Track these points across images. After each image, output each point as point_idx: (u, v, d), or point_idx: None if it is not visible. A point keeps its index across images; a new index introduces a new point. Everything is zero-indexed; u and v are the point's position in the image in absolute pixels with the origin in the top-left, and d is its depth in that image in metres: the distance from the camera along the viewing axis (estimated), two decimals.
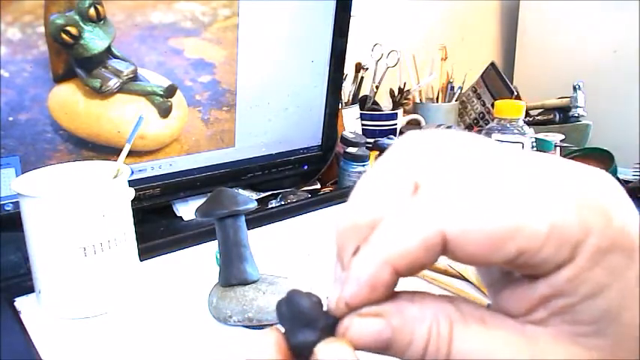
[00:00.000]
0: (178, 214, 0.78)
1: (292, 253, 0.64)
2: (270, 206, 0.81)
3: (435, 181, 0.17)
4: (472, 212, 0.16)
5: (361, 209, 0.18)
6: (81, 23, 0.59)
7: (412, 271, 0.17)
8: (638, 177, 0.83)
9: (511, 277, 0.18)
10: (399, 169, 0.18)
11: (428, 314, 0.17)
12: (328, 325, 0.18)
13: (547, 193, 0.16)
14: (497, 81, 1.20)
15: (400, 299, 0.17)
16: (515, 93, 1.17)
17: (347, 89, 1.03)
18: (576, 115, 1.10)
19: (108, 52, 0.63)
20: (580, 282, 0.16)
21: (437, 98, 1.24)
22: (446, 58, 1.24)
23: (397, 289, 0.18)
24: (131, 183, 0.55)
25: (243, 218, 0.49)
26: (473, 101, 1.25)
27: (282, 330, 0.19)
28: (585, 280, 0.15)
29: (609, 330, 0.16)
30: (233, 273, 0.49)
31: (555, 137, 0.96)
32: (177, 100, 0.71)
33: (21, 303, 0.53)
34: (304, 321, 0.18)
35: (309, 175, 0.91)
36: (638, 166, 0.83)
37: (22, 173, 0.55)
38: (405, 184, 0.17)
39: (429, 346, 0.17)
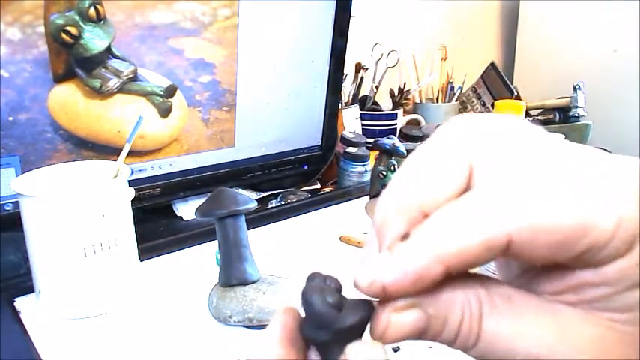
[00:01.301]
0: (178, 214, 0.78)
1: (292, 253, 0.64)
2: (270, 206, 0.81)
3: (493, 170, 0.16)
4: (541, 213, 0.15)
5: (415, 190, 0.17)
6: (81, 23, 0.59)
7: (463, 269, 0.16)
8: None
9: (544, 266, 0.18)
10: (454, 149, 0.17)
11: (459, 297, 0.17)
12: (342, 329, 0.17)
13: (610, 188, 0.15)
14: (497, 81, 1.20)
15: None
16: (515, 93, 1.17)
17: (347, 89, 1.03)
18: (576, 115, 1.10)
19: (108, 52, 0.63)
20: (629, 274, 0.16)
21: (437, 98, 1.24)
22: (446, 58, 1.24)
23: None
24: (131, 183, 0.55)
25: (243, 218, 0.49)
26: (473, 101, 1.25)
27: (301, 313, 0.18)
28: (634, 272, 0.15)
29: None
30: (233, 273, 0.49)
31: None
32: (177, 100, 0.71)
33: (21, 303, 0.53)
34: (317, 322, 0.18)
35: (309, 175, 0.91)
36: None
37: (22, 173, 0.55)
38: (460, 167, 0.17)
39: (461, 329, 0.16)
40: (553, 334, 0.16)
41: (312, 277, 0.19)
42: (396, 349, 0.45)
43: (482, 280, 0.17)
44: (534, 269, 0.18)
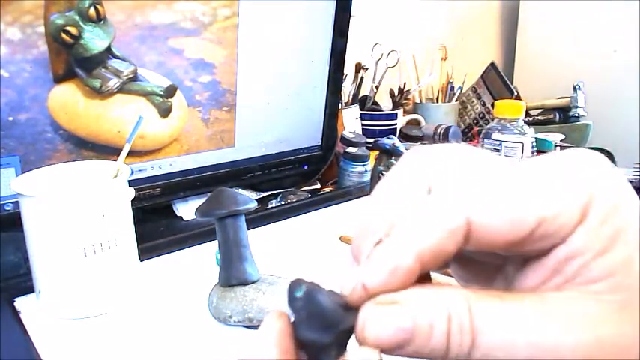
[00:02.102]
0: (178, 214, 0.78)
1: (292, 253, 0.64)
2: (270, 206, 0.81)
3: (448, 180, 0.18)
4: (493, 197, 0.17)
5: (381, 211, 0.18)
6: (81, 23, 0.59)
7: (436, 261, 0.17)
8: (638, 177, 0.83)
9: (519, 261, 0.19)
10: (413, 172, 0.19)
11: (444, 297, 0.17)
12: (348, 328, 0.17)
13: (553, 173, 0.17)
14: (497, 81, 1.20)
15: (415, 286, 0.17)
16: (515, 93, 1.17)
17: (347, 89, 1.03)
18: (576, 115, 1.10)
19: (108, 52, 0.63)
20: (592, 239, 0.17)
21: (437, 98, 1.24)
22: (446, 58, 1.24)
23: None
24: (131, 183, 0.55)
25: (243, 218, 0.49)
26: (473, 101, 1.25)
27: (291, 317, 0.18)
28: (597, 237, 0.17)
29: (625, 282, 0.17)
30: (233, 273, 0.49)
31: (555, 137, 0.96)
32: (177, 100, 0.71)
33: (21, 303, 0.53)
34: (323, 322, 0.17)
35: (309, 175, 0.91)
36: (638, 166, 0.83)
37: (22, 173, 0.55)
38: (420, 187, 0.18)
39: (451, 333, 0.16)
40: (550, 320, 0.16)
41: (295, 284, 0.18)
42: None
43: (470, 287, 0.18)
44: (516, 271, 0.19)
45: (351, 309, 0.18)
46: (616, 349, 0.16)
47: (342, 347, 0.18)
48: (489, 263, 0.21)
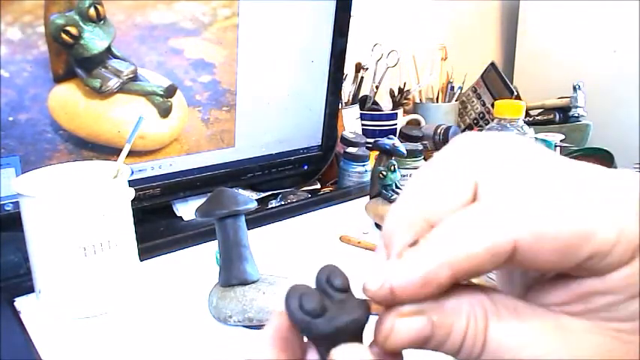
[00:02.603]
0: (178, 214, 0.78)
1: (292, 253, 0.64)
2: (270, 206, 0.81)
3: (498, 184, 0.17)
4: (545, 220, 0.16)
5: (422, 203, 0.18)
6: (81, 23, 0.59)
7: (469, 276, 0.16)
8: None
9: (548, 276, 0.18)
10: (460, 167, 0.18)
11: (464, 307, 0.17)
12: (320, 334, 0.17)
13: (611, 199, 0.16)
14: (497, 81, 1.20)
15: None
16: (515, 93, 1.17)
17: (347, 89, 1.03)
18: (576, 115, 1.10)
19: (108, 52, 0.63)
20: (634, 282, 0.16)
21: (437, 98, 1.24)
22: (446, 58, 1.24)
23: None
24: (131, 183, 0.55)
25: (243, 218, 0.49)
26: (473, 101, 1.25)
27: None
28: (637, 280, 0.16)
29: None
30: (233, 273, 0.49)
31: (555, 137, 0.96)
32: (178, 100, 0.71)
33: (21, 303, 0.53)
34: (297, 328, 0.18)
35: (309, 175, 0.91)
36: (638, 166, 0.83)
37: (22, 173, 0.55)
38: (466, 183, 0.17)
39: (466, 339, 0.17)
40: (559, 344, 0.16)
41: (320, 272, 0.19)
42: None
43: (488, 292, 0.17)
44: (538, 284, 0.18)
45: (335, 311, 0.18)
46: None
47: (355, 338, 0.18)
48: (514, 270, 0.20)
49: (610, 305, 0.16)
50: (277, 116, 0.82)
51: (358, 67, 1.05)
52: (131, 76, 0.66)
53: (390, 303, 0.17)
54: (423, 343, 0.17)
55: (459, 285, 0.17)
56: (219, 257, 0.50)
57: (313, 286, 0.19)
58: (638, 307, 0.16)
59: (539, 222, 0.16)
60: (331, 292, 0.18)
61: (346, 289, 0.19)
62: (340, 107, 0.95)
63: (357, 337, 0.18)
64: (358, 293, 0.19)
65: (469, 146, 0.18)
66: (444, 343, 0.17)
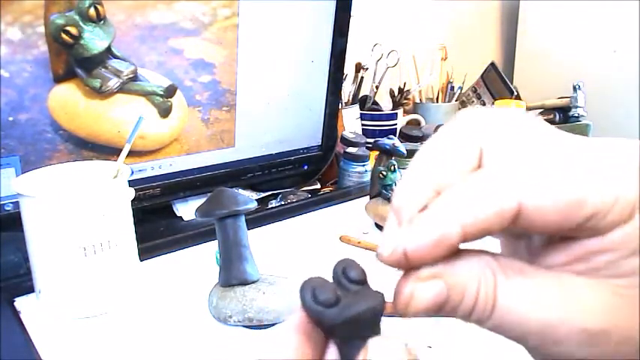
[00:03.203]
0: (178, 214, 0.78)
1: (292, 253, 0.64)
2: (270, 206, 0.81)
3: (501, 151, 0.18)
4: (547, 184, 0.17)
5: (430, 170, 0.18)
6: (81, 23, 0.59)
7: (477, 237, 0.17)
8: None
9: (546, 238, 0.19)
10: (465, 137, 0.19)
11: (474, 268, 0.18)
12: (334, 325, 0.18)
13: (609, 163, 0.17)
14: (497, 81, 1.20)
15: (448, 256, 0.18)
16: (515, 93, 1.17)
17: (347, 89, 1.03)
18: (576, 115, 1.10)
19: (108, 52, 0.63)
20: (632, 239, 0.17)
21: (437, 98, 1.24)
22: (446, 58, 1.24)
23: None
24: (131, 183, 0.55)
25: (243, 218, 0.49)
26: (473, 101, 1.25)
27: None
28: (637, 238, 0.17)
29: None
30: (233, 273, 0.49)
31: None
32: (178, 100, 0.71)
33: (21, 303, 0.53)
34: (311, 318, 0.18)
35: (309, 175, 0.91)
36: None
37: (22, 173, 0.55)
38: (471, 151, 0.18)
39: (478, 300, 0.17)
40: (563, 302, 0.17)
41: (337, 264, 0.19)
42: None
43: (495, 255, 0.18)
44: (541, 248, 0.19)
45: (349, 301, 0.18)
46: (620, 339, 0.17)
47: (359, 339, 0.18)
48: (517, 234, 0.21)
49: (610, 263, 0.17)
50: (277, 116, 0.82)
51: (358, 67, 1.05)
52: (131, 76, 0.66)
53: (404, 266, 0.18)
54: (440, 308, 0.18)
55: (466, 249, 0.18)
56: (219, 257, 0.50)
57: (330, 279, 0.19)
58: (638, 263, 0.17)
59: (541, 185, 0.17)
60: (346, 283, 0.18)
61: (362, 282, 0.19)
62: (340, 107, 0.95)
63: (373, 328, 0.18)
64: (374, 286, 0.19)
65: (473, 118, 0.19)
66: (458, 307, 0.18)
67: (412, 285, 0.18)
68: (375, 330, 0.18)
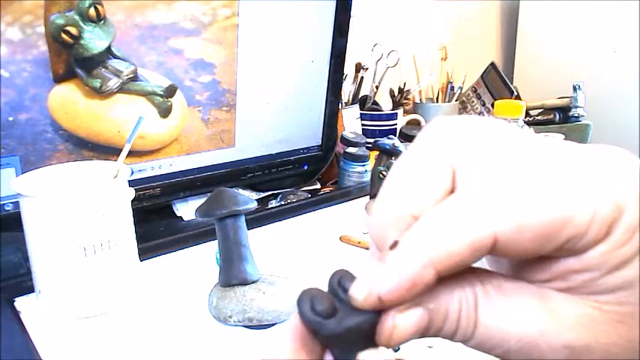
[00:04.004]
0: (178, 214, 0.78)
1: (292, 253, 0.64)
2: (270, 206, 0.81)
3: (474, 172, 0.17)
4: (523, 211, 0.16)
5: (401, 198, 0.18)
6: (81, 23, 0.59)
7: (453, 271, 0.17)
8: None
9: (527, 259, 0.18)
10: (435, 155, 0.18)
11: (456, 290, 0.17)
12: (331, 335, 0.18)
13: (586, 181, 0.16)
14: (497, 81, 1.20)
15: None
16: (515, 93, 1.17)
17: (347, 89, 1.03)
18: (576, 115, 1.10)
19: (108, 52, 0.63)
20: (609, 258, 0.16)
21: (437, 98, 1.24)
22: (446, 58, 1.24)
23: None
24: (131, 183, 0.55)
25: (243, 218, 0.49)
26: (473, 101, 1.25)
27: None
28: (614, 257, 0.16)
29: (629, 299, 0.17)
30: (233, 273, 0.49)
31: (555, 137, 0.96)
32: (178, 100, 0.71)
33: (21, 303, 0.53)
34: (308, 328, 0.18)
35: (309, 175, 0.91)
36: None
37: (22, 173, 0.55)
38: (443, 172, 0.17)
39: (460, 319, 0.17)
40: (543, 317, 0.17)
41: (333, 275, 0.19)
42: (396, 350, 0.45)
43: (475, 272, 0.18)
44: (522, 263, 0.19)
45: (345, 313, 0.18)
46: (602, 354, 0.17)
47: (354, 348, 0.18)
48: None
49: (588, 282, 0.17)
50: (277, 116, 0.82)
51: (358, 67, 1.05)
52: (131, 76, 0.66)
53: (381, 308, 0.17)
54: (424, 332, 0.18)
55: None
56: (219, 257, 0.50)
57: (325, 289, 0.19)
58: (617, 280, 0.16)
59: (517, 213, 0.16)
60: (342, 294, 0.18)
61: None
62: (340, 107, 0.95)
63: (369, 339, 0.18)
64: None
65: (442, 132, 0.18)
66: (442, 328, 0.17)
67: (392, 318, 0.17)
68: (371, 341, 0.18)
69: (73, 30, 0.59)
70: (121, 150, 0.56)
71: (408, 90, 1.12)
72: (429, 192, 0.17)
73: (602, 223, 0.16)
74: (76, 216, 0.49)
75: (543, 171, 0.17)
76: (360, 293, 0.17)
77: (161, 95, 0.69)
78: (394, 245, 0.17)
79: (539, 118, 1.16)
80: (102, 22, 0.61)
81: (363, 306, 0.17)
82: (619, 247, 0.16)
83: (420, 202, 0.17)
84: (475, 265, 0.18)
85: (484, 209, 0.16)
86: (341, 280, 0.19)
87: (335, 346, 0.18)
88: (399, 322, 0.17)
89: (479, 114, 1.23)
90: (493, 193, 0.16)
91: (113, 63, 0.64)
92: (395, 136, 1.01)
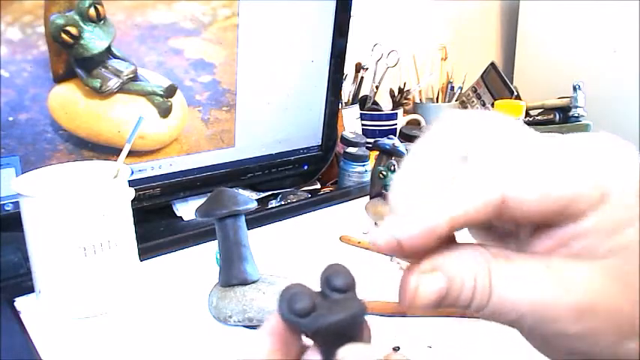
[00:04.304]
0: (178, 214, 0.78)
1: (292, 253, 0.64)
2: (270, 206, 0.81)
3: (486, 147, 0.19)
4: (526, 177, 0.18)
5: (420, 166, 0.20)
6: (81, 23, 0.59)
7: (465, 226, 0.19)
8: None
9: (530, 229, 0.20)
10: (452, 134, 0.20)
11: (470, 260, 0.19)
12: (311, 333, 0.18)
13: (585, 154, 0.19)
14: (498, 81, 1.20)
15: (443, 249, 0.19)
16: (515, 93, 1.17)
17: (347, 89, 1.03)
18: (576, 115, 1.10)
19: (108, 52, 0.63)
20: (603, 224, 0.18)
21: (437, 98, 1.24)
22: (446, 58, 1.24)
23: None
24: (131, 183, 0.55)
25: (243, 218, 0.49)
26: (473, 101, 1.25)
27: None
28: (610, 222, 0.18)
29: (625, 265, 0.18)
30: (233, 273, 0.49)
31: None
32: (178, 100, 0.71)
33: (21, 303, 0.53)
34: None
35: (309, 175, 0.91)
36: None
37: (22, 173, 0.55)
38: (458, 147, 0.20)
39: (475, 289, 0.19)
40: (550, 281, 0.18)
41: (324, 270, 0.19)
42: (396, 349, 0.45)
43: (486, 247, 0.20)
44: (526, 238, 0.20)
45: (326, 310, 0.18)
46: (606, 315, 0.18)
47: (338, 345, 0.18)
48: (504, 227, 0.22)
49: (589, 247, 0.18)
50: (277, 116, 0.82)
51: (358, 67, 1.05)
52: (131, 76, 0.66)
53: (398, 253, 0.19)
54: (442, 300, 0.19)
55: (459, 243, 0.20)
56: (219, 257, 0.50)
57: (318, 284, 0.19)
58: (615, 243, 0.18)
59: (521, 178, 0.18)
60: (328, 291, 0.19)
61: (345, 290, 0.19)
62: (340, 107, 0.95)
63: (352, 336, 0.19)
64: (361, 294, 0.19)
65: (458, 120, 0.21)
66: (459, 297, 0.19)
67: (416, 278, 0.19)
68: (355, 336, 0.19)
69: (73, 30, 0.59)
70: (121, 150, 0.56)
71: (408, 90, 1.12)
72: (443, 169, 0.20)
73: (598, 191, 0.18)
74: (76, 216, 0.49)
75: (547, 147, 0.19)
76: (382, 238, 0.19)
77: (161, 95, 0.69)
78: (416, 204, 0.19)
79: (539, 118, 1.16)
80: (102, 22, 0.61)
81: (383, 249, 0.19)
82: (613, 212, 0.18)
83: (434, 175, 0.20)
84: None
85: (494, 172, 0.19)
86: (329, 278, 0.19)
87: (316, 341, 0.19)
88: (422, 282, 0.19)
89: None
90: (501, 160, 0.19)
91: (113, 63, 0.64)
92: (395, 136, 1.01)
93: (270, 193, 0.87)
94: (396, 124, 1.07)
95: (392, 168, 0.67)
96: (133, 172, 0.56)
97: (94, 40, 0.61)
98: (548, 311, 0.18)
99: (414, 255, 0.19)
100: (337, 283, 0.19)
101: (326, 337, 0.18)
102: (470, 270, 0.19)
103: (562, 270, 0.18)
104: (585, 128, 1.06)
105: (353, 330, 0.18)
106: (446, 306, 0.19)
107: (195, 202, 0.78)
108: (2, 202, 0.61)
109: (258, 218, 0.73)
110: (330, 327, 0.18)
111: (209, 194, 0.50)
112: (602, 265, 0.18)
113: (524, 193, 0.18)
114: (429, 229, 0.18)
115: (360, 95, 1.07)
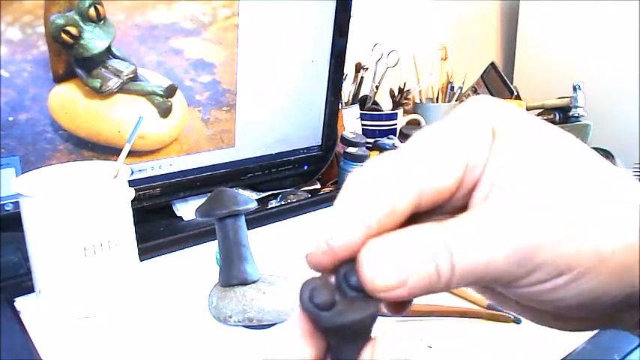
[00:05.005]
0: (178, 214, 0.78)
1: (292, 253, 0.64)
2: (270, 206, 0.81)
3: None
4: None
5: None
6: (81, 23, 0.59)
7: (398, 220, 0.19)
8: (638, 177, 0.83)
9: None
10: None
11: (424, 240, 0.18)
12: (330, 327, 0.18)
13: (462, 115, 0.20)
14: (498, 81, 1.20)
15: (400, 235, 0.19)
16: (515, 93, 1.17)
17: (347, 89, 1.03)
18: (576, 115, 1.10)
19: (108, 52, 0.63)
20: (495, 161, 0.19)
21: (437, 98, 1.24)
22: (446, 58, 1.24)
23: None
24: (131, 183, 0.55)
25: (243, 218, 0.49)
26: None
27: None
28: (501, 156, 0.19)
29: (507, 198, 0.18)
30: (233, 273, 0.49)
31: None
32: (178, 100, 0.71)
33: (21, 303, 0.53)
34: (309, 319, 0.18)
35: (309, 175, 0.91)
36: (638, 166, 0.83)
37: (22, 173, 0.55)
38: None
39: (440, 274, 0.18)
40: (524, 224, 0.18)
41: (342, 267, 0.19)
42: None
43: (440, 222, 0.19)
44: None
45: (345, 306, 0.18)
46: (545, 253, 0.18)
47: (355, 343, 0.18)
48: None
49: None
50: (277, 116, 0.82)
51: (358, 67, 1.05)
52: (131, 76, 0.66)
53: (330, 258, 0.19)
54: (402, 285, 0.18)
55: (410, 227, 0.19)
56: (219, 257, 0.50)
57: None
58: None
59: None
60: (345, 288, 0.19)
61: (361, 289, 0.19)
62: (340, 107, 0.95)
63: (363, 335, 0.18)
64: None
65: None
66: (427, 287, 0.18)
67: (372, 257, 0.18)
68: (369, 336, 0.18)
69: (73, 30, 0.59)
70: (121, 150, 0.56)
71: (408, 90, 1.12)
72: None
73: (486, 146, 0.19)
74: (76, 216, 0.49)
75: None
76: (313, 247, 0.20)
77: (161, 95, 0.69)
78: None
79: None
80: (102, 22, 0.61)
81: (317, 258, 0.20)
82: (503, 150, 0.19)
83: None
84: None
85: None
86: (347, 274, 0.19)
87: (330, 338, 0.19)
88: (378, 271, 0.18)
89: None
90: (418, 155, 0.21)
91: (113, 63, 0.64)
92: (395, 136, 1.01)
93: (270, 193, 0.87)
94: (396, 124, 1.07)
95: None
96: (133, 172, 0.56)
97: (94, 40, 0.61)
98: (528, 255, 0.18)
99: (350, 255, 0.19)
100: (354, 281, 0.19)
101: (343, 334, 0.18)
102: (427, 254, 0.18)
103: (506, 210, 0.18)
104: (585, 128, 1.06)
105: (369, 329, 0.18)
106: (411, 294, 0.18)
107: (195, 202, 0.78)
108: (2, 202, 0.61)
109: (258, 218, 0.73)
110: (349, 325, 0.18)
111: (209, 194, 0.50)
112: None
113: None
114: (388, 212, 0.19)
115: (360, 95, 1.07)
